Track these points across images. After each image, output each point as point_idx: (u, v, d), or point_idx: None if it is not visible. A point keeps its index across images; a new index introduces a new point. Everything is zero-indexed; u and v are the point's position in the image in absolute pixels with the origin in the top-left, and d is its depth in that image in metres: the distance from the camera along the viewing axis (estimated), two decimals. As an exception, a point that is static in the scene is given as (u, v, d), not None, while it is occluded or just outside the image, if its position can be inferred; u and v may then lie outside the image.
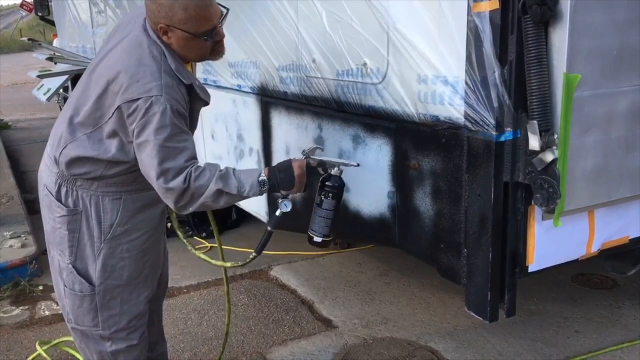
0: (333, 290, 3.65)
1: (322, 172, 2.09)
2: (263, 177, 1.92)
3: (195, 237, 4.48)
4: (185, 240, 2.50)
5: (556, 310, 3.33)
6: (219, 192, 1.86)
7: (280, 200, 2.05)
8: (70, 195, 1.96)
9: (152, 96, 1.78)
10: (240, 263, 2.34)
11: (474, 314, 2.06)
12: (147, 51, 1.86)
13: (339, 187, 2.07)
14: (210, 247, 4.30)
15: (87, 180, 1.95)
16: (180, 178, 1.82)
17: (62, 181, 1.96)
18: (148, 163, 1.82)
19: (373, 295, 3.58)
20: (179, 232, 2.48)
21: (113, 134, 1.89)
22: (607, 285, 3.60)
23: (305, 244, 4.22)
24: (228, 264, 2.38)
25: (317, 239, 2.11)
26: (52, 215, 2.00)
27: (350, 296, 3.57)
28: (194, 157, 1.87)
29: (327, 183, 2.07)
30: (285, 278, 3.84)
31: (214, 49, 1.97)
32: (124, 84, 1.80)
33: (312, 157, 2.08)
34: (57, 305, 3.49)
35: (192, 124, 2.00)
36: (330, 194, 2.06)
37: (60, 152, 1.93)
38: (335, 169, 2.07)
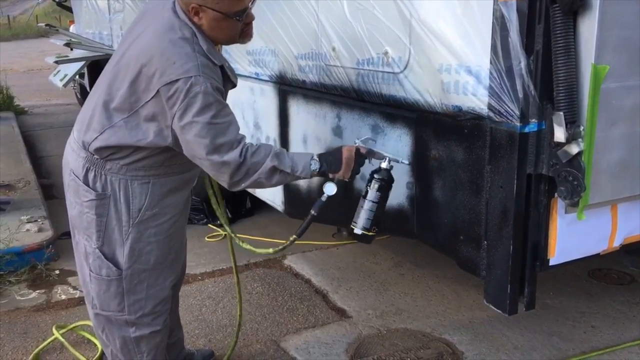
0: (347, 280, 3.64)
1: (372, 164, 2.11)
2: (315, 158, 1.99)
3: (210, 225, 4.49)
4: (231, 232, 2.50)
5: (572, 304, 3.31)
6: (274, 170, 1.91)
7: (325, 184, 2.06)
8: (99, 179, 1.96)
9: (192, 76, 1.79)
10: (281, 247, 2.32)
11: (492, 307, 2.04)
12: (179, 33, 1.86)
13: (387, 180, 2.07)
14: (225, 235, 4.31)
15: (117, 164, 1.95)
16: (236, 152, 1.85)
17: (91, 165, 1.96)
18: (197, 143, 1.83)
19: (387, 286, 3.58)
20: (226, 226, 2.50)
21: (151, 118, 1.88)
22: (625, 280, 3.56)
23: (319, 233, 4.24)
24: (270, 250, 2.36)
25: (357, 232, 2.09)
26: (79, 200, 2.00)
27: (364, 286, 3.57)
28: (239, 128, 1.91)
29: (375, 175, 2.08)
30: (300, 267, 3.84)
31: (243, 31, 1.99)
32: (160, 67, 1.80)
33: (361, 145, 2.10)
34: (74, 289, 3.52)
35: None
36: (376, 185, 2.05)
37: (96, 137, 1.92)
38: (385, 162, 2.08)
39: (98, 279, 2.05)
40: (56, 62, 5.94)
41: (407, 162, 2.13)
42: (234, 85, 2.07)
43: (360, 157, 2.05)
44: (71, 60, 5.98)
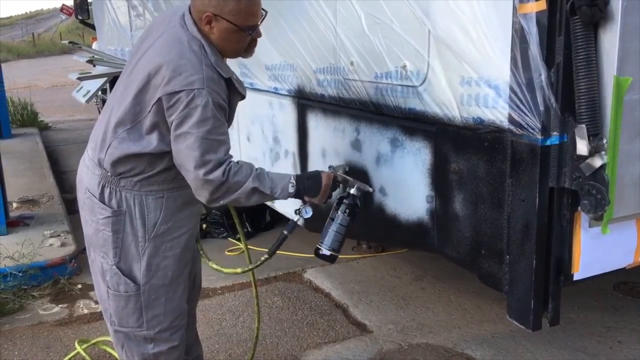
0: (367, 295, 3.62)
1: (342, 190, 2.25)
2: (292, 181, 2.05)
3: (230, 239, 4.51)
4: (200, 248, 2.48)
5: (598, 319, 3.24)
6: (254, 190, 1.96)
7: (301, 207, 2.17)
8: (114, 196, 1.98)
9: (195, 89, 1.81)
10: (251, 266, 2.37)
11: (516, 323, 2.01)
12: (187, 46, 1.89)
13: (355, 205, 2.22)
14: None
15: (131, 181, 1.97)
16: (220, 171, 1.87)
17: (106, 182, 1.98)
18: (186, 154, 1.85)
19: (408, 300, 3.54)
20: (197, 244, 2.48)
21: (153, 128, 1.90)
22: (652, 294, 3.49)
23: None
24: (238, 270, 2.40)
25: (325, 252, 2.19)
26: (95, 217, 2.02)
27: (384, 301, 3.54)
28: (229, 150, 1.93)
29: (345, 201, 2.21)
30: (319, 281, 3.82)
31: (249, 45, 2.04)
32: (166, 77, 1.82)
33: (338, 173, 2.27)
34: (96, 303, 3.55)
35: (229, 118, 2.03)
36: (347, 211, 2.20)
37: (106, 152, 1.95)
38: (354, 189, 2.23)
39: (116, 296, 2.06)
40: (79, 78, 6.04)
41: (372, 189, 2.32)
42: (243, 97, 2.09)
43: (335, 184, 2.19)
44: (94, 76, 6.08)
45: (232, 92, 2.00)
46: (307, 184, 2.08)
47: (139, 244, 2.01)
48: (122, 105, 1.93)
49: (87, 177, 2.05)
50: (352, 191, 2.22)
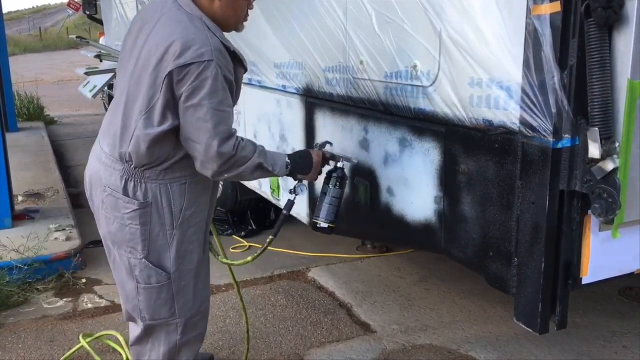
0: (372, 295, 3.61)
1: (329, 165, 2.41)
2: (287, 160, 2.17)
3: (234, 237, 4.50)
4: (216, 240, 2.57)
5: (603, 324, 3.23)
6: (259, 166, 2.03)
7: (297, 185, 2.30)
8: (139, 188, 1.98)
9: (205, 61, 1.83)
10: (259, 252, 2.35)
11: (523, 325, 2.00)
12: (190, 24, 1.90)
13: (344, 177, 2.39)
14: (250, 246, 4.32)
15: (156, 170, 1.97)
16: (231, 144, 1.91)
17: (129, 176, 1.97)
18: (198, 126, 1.86)
19: (412, 301, 3.53)
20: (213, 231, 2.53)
21: (167, 106, 1.88)
22: (658, 300, 3.47)
23: (343, 246, 4.22)
24: (249, 259, 2.36)
25: (323, 225, 2.34)
26: (119, 213, 2.00)
27: (389, 301, 3.53)
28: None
29: (333, 174, 2.38)
30: (324, 280, 3.82)
31: (245, 18, 2.11)
32: (177, 51, 1.83)
33: (324, 150, 2.40)
34: (100, 298, 3.56)
35: (236, 92, 2.05)
36: (338, 184, 2.36)
37: (129, 144, 1.94)
38: (341, 162, 2.40)
39: (148, 289, 2.06)
40: (86, 73, 6.05)
41: (355, 161, 2.51)
42: (246, 70, 2.12)
43: (325, 160, 2.34)
44: (101, 72, 6.08)
45: (236, 65, 2.01)
46: (299, 163, 2.19)
47: (167, 233, 2.02)
48: (137, 96, 1.92)
49: (106, 174, 2.02)
50: (340, 164, 2.38)
